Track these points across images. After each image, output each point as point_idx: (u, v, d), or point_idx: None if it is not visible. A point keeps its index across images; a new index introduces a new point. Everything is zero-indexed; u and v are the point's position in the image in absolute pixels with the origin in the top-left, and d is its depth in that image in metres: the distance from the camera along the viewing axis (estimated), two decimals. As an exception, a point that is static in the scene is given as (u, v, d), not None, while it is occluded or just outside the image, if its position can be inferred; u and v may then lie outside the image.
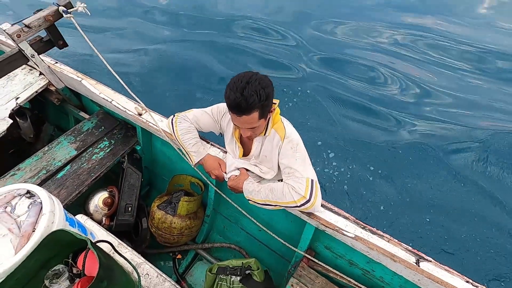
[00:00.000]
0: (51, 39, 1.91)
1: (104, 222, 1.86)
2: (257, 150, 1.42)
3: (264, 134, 1.35)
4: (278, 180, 1.47)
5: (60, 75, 2.12)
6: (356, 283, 1.39)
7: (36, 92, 2.14)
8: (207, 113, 1.52)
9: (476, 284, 1.17)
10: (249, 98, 1.10)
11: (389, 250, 1.26)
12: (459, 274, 1.20)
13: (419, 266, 1.21)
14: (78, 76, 2.02)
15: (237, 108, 1.14)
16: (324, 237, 1.52)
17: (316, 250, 1.61)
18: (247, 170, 1.49)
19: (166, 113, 1.84)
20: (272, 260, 1.90)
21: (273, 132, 1.35)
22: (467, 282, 1.17)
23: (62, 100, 2.32)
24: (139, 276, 1.19)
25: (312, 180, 1.30)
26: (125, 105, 1.88)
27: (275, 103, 1.28)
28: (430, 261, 1.24)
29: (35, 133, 2.51)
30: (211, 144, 1.70)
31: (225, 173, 1.53)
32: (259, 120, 1.20)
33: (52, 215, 1.10)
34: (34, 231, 1.04)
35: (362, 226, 1.36)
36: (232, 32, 4.81)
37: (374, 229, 1.35)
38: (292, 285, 1.44)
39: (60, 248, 1.10)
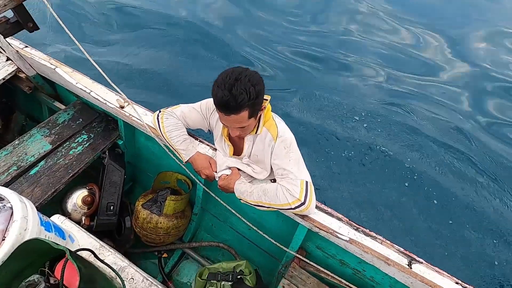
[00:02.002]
0: (19, 20, 1.71)
1: (83, 222, 1.74)
2: (249, 149, 1.36)
3: (256, 133, 1.29)
4: (271, 180, 1.42)
5: (30, 61, 1.93)
6: (347, 283, 1.38)
7: (4, 79, 1.93)
8: (195, 109, 1.43)
9: (465, 285, 1.19)
10: (238, 96, 1.03)
11: (382, 252, 1.25)
12: (449, 275, 1.22)
13: (411, 268, 1.21)
14: (51, 64, 1.83)
15: (225, 107, 1.06)
16: (316, 237, 1.50)
17: (307, 250, 1.59)
18: (238, 169, 1.43)
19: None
20: (262, 259, 1.87)
21: (265, 131, 1.28)
22: (457, 283, 1.19)
23: (34, 88, 2.12)
24: (123, 282, 1.12)
25: (306, 182, 1.26)
26: (105, 96, 1.74)
27: (266, 100, 1.22)
28: (422, 263, 1.24)
29: (4, 124, 2.31)
30: (200, 141, 1.61)
31: (216, 172, 1.46)
32: (248, 120, 1.13)
33: (25, 222, 0.99)
34: (4, 240, 0.93)
35: (355, 228, 1.34)
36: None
37: (367, 231, 1.33)
38: (283, 287, 1.42)
39: (35, 257, 1.00)
